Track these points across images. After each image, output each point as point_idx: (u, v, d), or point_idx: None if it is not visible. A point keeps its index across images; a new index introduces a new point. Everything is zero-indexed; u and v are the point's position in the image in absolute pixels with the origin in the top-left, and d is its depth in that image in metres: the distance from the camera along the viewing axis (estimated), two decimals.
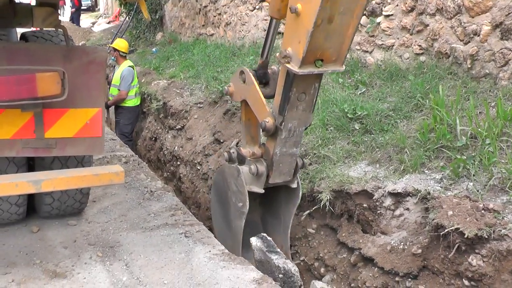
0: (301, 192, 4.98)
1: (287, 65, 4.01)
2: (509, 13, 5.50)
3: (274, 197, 5.10)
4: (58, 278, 4.17)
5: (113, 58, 10.63)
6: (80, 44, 18.59)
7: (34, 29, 5.09)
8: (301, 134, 4.56)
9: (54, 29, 4.90)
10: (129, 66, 10.53)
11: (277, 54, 4.16)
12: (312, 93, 4.33)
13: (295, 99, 4.27)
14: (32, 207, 5.19)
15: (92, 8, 42.00)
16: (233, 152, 5.05)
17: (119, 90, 10.32)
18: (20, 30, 5.36)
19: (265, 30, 10.16)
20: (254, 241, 4.68)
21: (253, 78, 4.77)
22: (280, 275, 4.41)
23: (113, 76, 10.59)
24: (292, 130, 4.45)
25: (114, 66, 10.96)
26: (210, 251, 4.66)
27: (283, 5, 4.19)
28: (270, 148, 4.63)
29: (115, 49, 10.61)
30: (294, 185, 4.92)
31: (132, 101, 10.65)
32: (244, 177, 4.74)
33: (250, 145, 5.03)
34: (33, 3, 4.98)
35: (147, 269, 4.36)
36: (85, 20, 32.76)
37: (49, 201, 4.92)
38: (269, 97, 4.74)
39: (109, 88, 10.46)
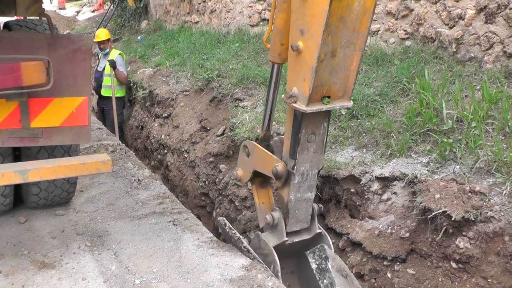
0: (330, 242, 4.60)
1: (294, 104, 3.87)
2: None
3: (307, 268, 4.66)
4: (47, 269, 4.15)
5: (107, 50, 10.54)
6: (65, 33, 18.42)
7: (17, 18, 5.04)
8: (315, 177, 4.36)
9: (38, 17, 4.85)
10: (119, 53, 10.53)
11: (282, 96, 4.02)
12: (322, 133, 4.18)
13: (305, 140, 4.11)
14: (19, 197, 5.16)
15: None
16: (251, 235, 4.84)
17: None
18: (2, 19, 5.30)
19: (250, 17, 10.19)
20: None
21: (255, 143, 4.66)
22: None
23: (101, 66, 10.52)
24: (305, 173, 4.27)
25: (99, 56, 10.87)
26: (198, 239, 4.66)
27: (284, 48, 4.10)
28: (284, 195, 4.41)
29: (108, 40, 10.59)
30: (318, 230, 4.59)
31: (123, 90, 10.65)
32: (265, 237, 4.51)
33: None
34: None
35: (135, 257, 4.36)
36: (69, 9, 32.47)
37: (36, 191, 4.90)
38: None
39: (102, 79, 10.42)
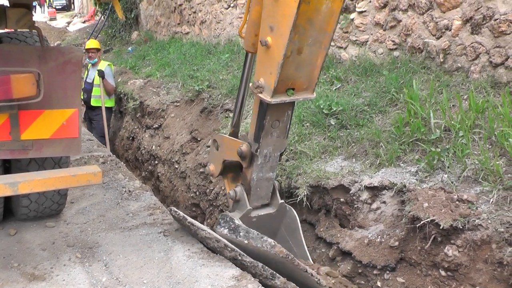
0: (295, 214, 4.88)
1: (260, 95, 4.12)
2: (478, 8, 5.59)
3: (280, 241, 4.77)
4: (37, 281, 4.14)
5: (95, 59, 10.56)
6: (55, 44, 18.44)
7: (7, 30, 5.05)
8: (277, 159, 4.66)
9: (28, 30, 4.87)
10: (108, 64, 10.56)
11: (250, 85, 4.28)
12: (286, 120, 4.44)
13: (269, 126, 4.38)
14: (9, 209, 5.15)
15: (67, 8, 41.66)
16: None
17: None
18: None
19: (237, 28, 10.23)
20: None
21: (223, 135, 4.96)
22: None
23: (91, 78, 10.52)
24: (268, 156, 4.56)
25: (87, 67, 10.88)
26: (189, 249, 4.67)
27: (257, 39, 4.26)
28: (247, 174, 4.70)
29: (97, 49, 10.62)
30: (275, 208, 4.86)
31: (112, 101, 10.66)
32: (231, 214, 4.70)
33: None
34: (6, 4, 4.94)
35: (126, 269, 4.36)
36: (60, 20, 32.48)
37: (26, 203, 4.89)
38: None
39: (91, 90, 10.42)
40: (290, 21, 3.67)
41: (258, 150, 4.48)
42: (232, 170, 5.02)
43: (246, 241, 4.31)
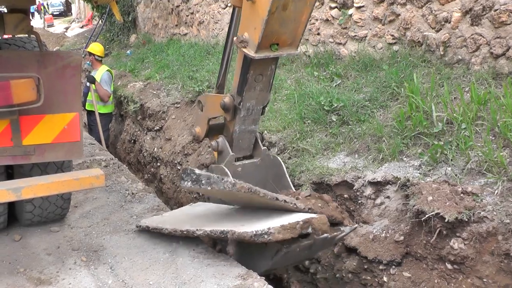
0: (280, 160, 4.94)
1: (244, 49, 4.17)
2: None
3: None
4: (43, 285, 4.13)
5: (88, 62, 10.52)
6: (54, 49, 18.44)
7: (6, 36, 5.05)
8: (259, 112, 4.74)
9: (26, 35, 4.86)
10: (107, 70, 10.46)
11: (234, 38, 4.30)
12: (269, 74, 4.49)
13: (253, 80, 4.44)
14: (13, 215, 5.14)
15: (65, 14, 41.72)
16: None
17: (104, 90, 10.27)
18: None
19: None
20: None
21: (206, 93, 5.07)
22: None
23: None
24: (251, 109, 4.65)
25: (90, 72, 10.84)
26: (194, 250, 4.66)
27: None
28: (230, 126, 4.79)
29: (90, 53, 10.53)
30: (259, 157, 4.94)
31: (108, 107, 10.58)
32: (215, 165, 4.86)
33: None
34: (4, 10, 4.94)
35: (132, 271, 4.35)
36: (58, 25, 32.51)
37: (30, 208, 4.88)
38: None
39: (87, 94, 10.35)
40: None
41: (241, 103, 4.55)
42: (218, 131, 5.06)
43: (209, 188, 4.22)
